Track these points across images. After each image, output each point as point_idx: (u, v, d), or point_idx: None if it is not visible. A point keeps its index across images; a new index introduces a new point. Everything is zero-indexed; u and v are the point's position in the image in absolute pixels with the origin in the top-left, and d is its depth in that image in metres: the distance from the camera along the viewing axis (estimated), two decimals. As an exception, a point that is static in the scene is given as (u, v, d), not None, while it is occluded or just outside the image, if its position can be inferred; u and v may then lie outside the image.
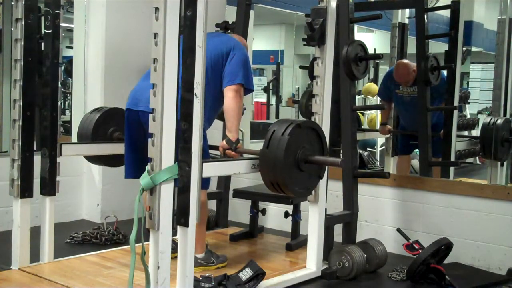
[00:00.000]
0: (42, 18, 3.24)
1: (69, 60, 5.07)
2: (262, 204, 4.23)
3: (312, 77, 3.70)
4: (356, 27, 5.14)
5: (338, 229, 3.58)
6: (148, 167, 2.37)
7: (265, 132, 2.84)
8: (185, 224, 2.50)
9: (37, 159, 3.22)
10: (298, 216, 3.95)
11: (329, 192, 3.47)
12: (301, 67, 5.57)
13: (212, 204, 4.45)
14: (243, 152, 3.19)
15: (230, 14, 4.73)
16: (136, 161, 3.21)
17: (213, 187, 4.50)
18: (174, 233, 2.57)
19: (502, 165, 4.39)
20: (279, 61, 9.28)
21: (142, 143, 3.08)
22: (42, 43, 3.25)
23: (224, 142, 3.11)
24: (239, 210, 4.63)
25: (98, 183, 4.62)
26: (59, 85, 3.33)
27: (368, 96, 7.24)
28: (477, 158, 5.93)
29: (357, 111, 4.42)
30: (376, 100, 7.09)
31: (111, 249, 3.68)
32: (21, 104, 3.09)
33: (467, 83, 6.94)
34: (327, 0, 3.21)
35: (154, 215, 2.37)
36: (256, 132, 5.71)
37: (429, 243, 3.29)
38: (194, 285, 2.64)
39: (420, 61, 4.46)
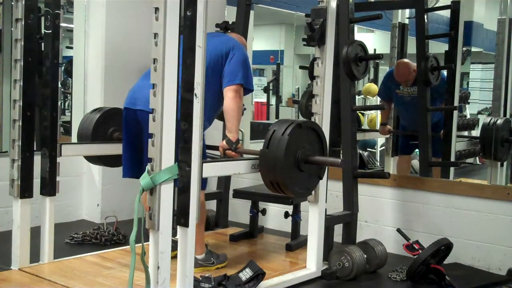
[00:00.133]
0: (42, 18, 3.23)
1: (69, 60, 5.07)
2: (262, 204, 4.23)
3: (312, 77, 3.70)
4: (356, 27, 5.14)
5: (338, 229, 3.58)
6: (148, 167, 2.37)
7: (265, 132, 2.84)
8: (185, 224, 2.50)
9: (37, 159, 3.22)
10: (298, 216, 3.95)
11: (329, 192, 3.47)
12: (301, 67, 5.57)
13: (212, 204, 4.45)
14: (243, 152, 3.19)
15: (230, 14, 4.73)
16: (133, 160, 3.21)
17: (213, 187, 4.50)
18: (174, 233, 2.57)
19: (502, 165, 4.39)
20: (279, 61, 9.28)
21: (139, 142, 3.08)
22: (42, 43, 3.25)
23: (224, 142, 3.11)
24: (239, 210, 4.63)
25: (98, 183, 4.62)
26: (59, 85, 3.33)
27: (368, 96, 7.24)
28: (477, 158, 5.93)
29: (357, 111, 4.42)
30: (376, 100, 7.09)
31: (111, 249, 3.68)
32: (21, 104, 3.08)
33: (467, 83, 6.94)
34: (327, 0, 3.21)
35: (154, 215, 2.37)
36: (256, 132, 5.71)
37: (429, 243, 3.29)
38: (194, 285, 2.64)
39: (420, 61, 4.46)
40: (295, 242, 3.89)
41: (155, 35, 2.31)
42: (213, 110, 3.27)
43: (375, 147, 7.16)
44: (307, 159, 2.87)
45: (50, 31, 3.17)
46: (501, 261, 3.59)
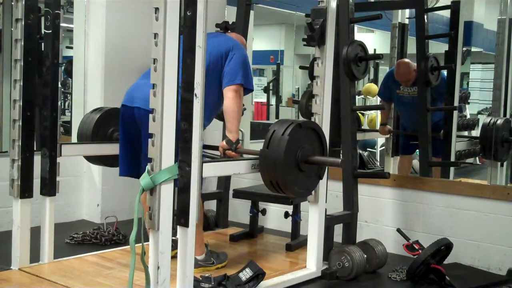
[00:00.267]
0: (42, 18, 3.23)
1: (69, 60, 5.08)
2: (262, 205, 4.23)
3: (312, 77, 3.70)
4: (356, 27, 5.15)
5: (338, 229, 3.57)
6: (148, 167, 2.37)
7: (265, 132, 2.84)
8: (185, 224, 2.50)
9: (37, 159, 3.22)
10: (298, 216, 3.95)
11: (329, 192, 3.47)
12: (301, 67, 5.58)
13: (212, 204, 4.46)
14: (243, 153, 3.19)
15: (230, 14, 4.73)
16: (130, 158, 3.21)
17: (213, 187, 4.50)
18: (174, 233, 2.57)
19: (502, 165, 4.39)
20: (279, 62, 9.29)
21: (136, 141, 3.08)
22: (42, 43, 3.25)
23: (224, 142, 3.11)
24: (239, 210, 4.63)
25: (98, 183, 4.62)
26: (59, 85, 3.33)
27: (368, 96, 7.25)
28: (477, 158, 5.93)
29: (357, 111, 4.42)
30: (376, 100, 7.10)
31: (111, 249, 3.68)
32: (21, 104, 3.08)
33: (467, 84, 6.95)
34: (327, 0, 3.21)
35: (154, 215, 2.36)
36: (256, 132, 5.71)
37: (429, 243, 3.29)
38: (194, 285, 2.64)
39: (420, 61, 4.46)
40: (295, 242, 3.89)
41: (155, 35, 2.31)
42: (213, 110, 3.27)
43: (375, 147, 7.17)
44: (307, 159, 2.87)
45: (50, 31, 3.17)
46: (501, 261, 3.59)
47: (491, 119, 4.35)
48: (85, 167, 4.62)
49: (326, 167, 3.18)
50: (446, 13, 4.94)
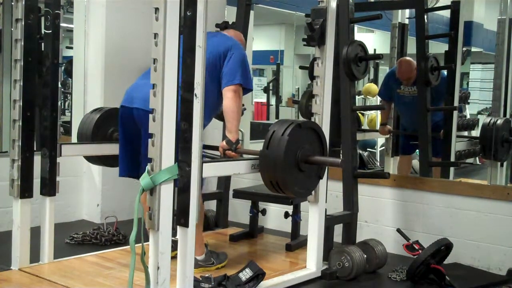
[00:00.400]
0: (42, 18, 3.23)
1: (69, 60, 5.07)
2: (262, 205, 4.23)
3: (312, 77, 3.70)
4: (356, 27, 5.15)
5: (338, 229, 3.57)
6: (148, 167, 2.37)
7: (265, 132, 2.84)
8: (185, 224, 2.50)
9: (37, 159, 3.22)
10: (298, 216, 3.95)
11: (329, 192, 3.47)
12: (301, 67, 5.58)
13: (212, 204, 4.45)
14: (243, 153, 3.18)
15: (230, 14, 4.73)
16: (130, 159, 3.21)
17: (213, 187, 4.50)
18: (174, 233, 2.57)
19: (502, 165, 4.39)
20: (279, 62, 9.29)
21: (136, 141, 3.08)
22: (42, 43, 3.25)
23: (224, 142, 3.10)
24: (239, 211, 4.63)
25: (98, 183, 4.62)
26: (59, 85, 3.32)
27: (368, 96, 7.25)
28: (477, 158, 5.93)
29: (357, 111, 4.42)
30: (376, 100, 7.10)
31: (111, 249, 3.68)
32: (21, 104, 3.08)
33: (467, 84, 6.95)
34: (327, 0, 3.21)
35: (154, 215, 2.36)
36: (256, 133, 5.72)
37: (429, 243, 3.29)
38: (194, 285, 2.64)
39: (420, 61, 4.46)
40: (295, 242, 3.89)
41: (155, 35, 2.31)
42: (213, 110, 3.27)
43: (375, 147, 7.17)
44: (307, 159, 2.87)
45: (50, 31, 3.17)
46: (501, 261, 3.59)
47: (491, 119, 4.36)
48: (85, 167, 4.62)
49: (326, 167, 3.18)
50: (446, 13, 4.94)
